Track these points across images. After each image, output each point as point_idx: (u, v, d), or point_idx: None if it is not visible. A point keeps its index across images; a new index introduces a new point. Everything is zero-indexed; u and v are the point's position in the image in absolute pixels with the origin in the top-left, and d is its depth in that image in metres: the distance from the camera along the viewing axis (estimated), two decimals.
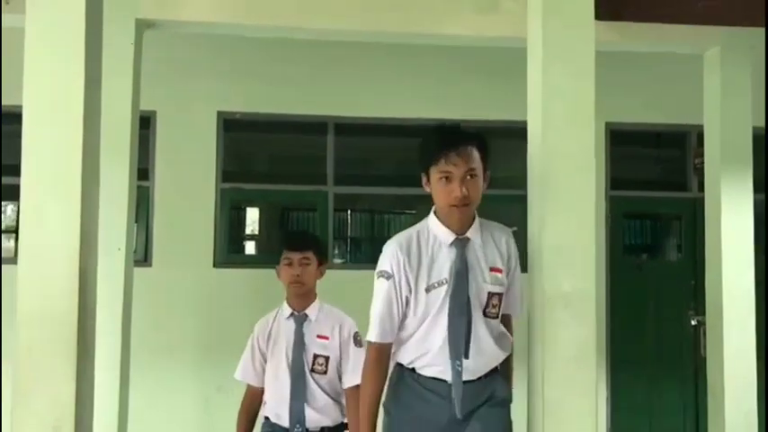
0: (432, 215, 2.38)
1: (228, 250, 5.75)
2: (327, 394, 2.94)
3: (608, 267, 5.74)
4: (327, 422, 2.94)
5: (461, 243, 2.33)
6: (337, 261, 5.98)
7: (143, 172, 5.05)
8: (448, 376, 2.31)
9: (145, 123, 4.92)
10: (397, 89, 5.67)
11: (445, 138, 2.31)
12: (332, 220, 5.81)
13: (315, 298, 3.04)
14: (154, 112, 5.47)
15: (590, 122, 2.89)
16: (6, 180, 4.79)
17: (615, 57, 4.81)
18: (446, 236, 2.33)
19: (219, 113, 5.68)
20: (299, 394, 2.89)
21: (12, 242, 5.95)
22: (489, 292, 2.34)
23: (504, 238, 2.43)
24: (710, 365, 4.64)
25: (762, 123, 4.74)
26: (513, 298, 2.48)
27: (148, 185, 5.49)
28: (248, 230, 6.41)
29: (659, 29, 4.13)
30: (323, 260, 3.06)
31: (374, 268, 2.41)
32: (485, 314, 2.34)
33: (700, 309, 5.34)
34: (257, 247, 6.38)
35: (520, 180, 3.25)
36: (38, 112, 2.64)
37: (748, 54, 4.49)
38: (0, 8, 3.83)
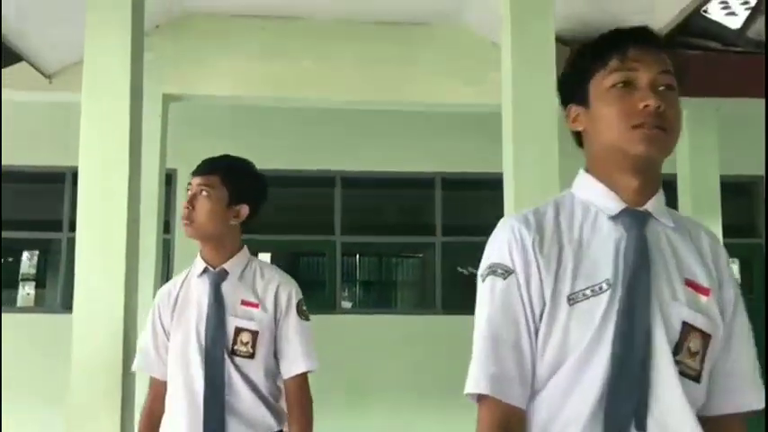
0: (581, 175, 1.23)
1: None
2: (253, 389, 1.91)
3: None
4: None
5: (638, 219, 1.16)
6: (346, 305, 6.35)
7: (165, 224, 5.50)
8: None
9: (167, 180, 5.40)
10: (398, 146, 6.14)
11: (621, 32, 1.19)
12: (340, 267, 6.22)
13: (240, 249, 2.01)
14: (175, 170, 5.92)
15: (554, 169, 3.35)
16: (32, 234, 5.46)
17: None
18: (610, 202, 1.17)
19: None
20: (214, 387, 1.87)
21: (28, 289, 6.39)
22: (685, 323, 1.12)
23: (707, 238, 1.22)
24: None
25: (730, 172, 5.26)
26: (736, 370, 1.18)
27: (170, 238, 5.95)
28: None
29: None
30: (241, 197, 1.96)
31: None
32: (676, 363, 1.11)
33: None
34: None
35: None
36: (91, 180, 3.14)
37: (714, 116, 5.02)
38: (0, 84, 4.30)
